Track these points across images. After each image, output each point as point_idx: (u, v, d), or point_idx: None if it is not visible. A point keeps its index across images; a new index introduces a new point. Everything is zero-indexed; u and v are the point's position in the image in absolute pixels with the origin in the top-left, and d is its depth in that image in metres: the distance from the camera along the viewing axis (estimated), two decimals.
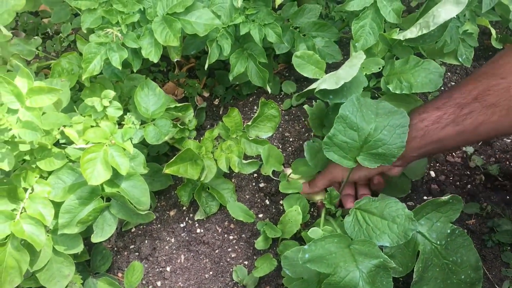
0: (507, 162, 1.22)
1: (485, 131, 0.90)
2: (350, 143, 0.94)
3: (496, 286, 1.08)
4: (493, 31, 1.37)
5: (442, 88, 1.35)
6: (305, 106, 1.12)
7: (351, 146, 0.94)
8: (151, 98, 1.04)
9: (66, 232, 0.95)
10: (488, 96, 0.88)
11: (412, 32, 1.04)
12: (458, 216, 0.99)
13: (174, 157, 1.03)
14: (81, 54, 1.05)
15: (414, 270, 0.97)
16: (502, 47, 1.41)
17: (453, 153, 1.26)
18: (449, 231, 0.99)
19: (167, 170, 1.03)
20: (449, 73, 1.40)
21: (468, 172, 1.23)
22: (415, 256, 0.98)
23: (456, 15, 1.01)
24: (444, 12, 0.99)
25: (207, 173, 1.09)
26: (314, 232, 0.97)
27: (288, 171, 1.15)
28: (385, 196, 0.96)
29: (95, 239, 0.98)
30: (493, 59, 0.94)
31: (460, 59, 1.20)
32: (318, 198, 1.14)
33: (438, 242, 0.99)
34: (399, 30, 1.11)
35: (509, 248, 1.12)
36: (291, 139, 1.27)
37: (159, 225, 1.20)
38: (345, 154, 0.96)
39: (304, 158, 1.09)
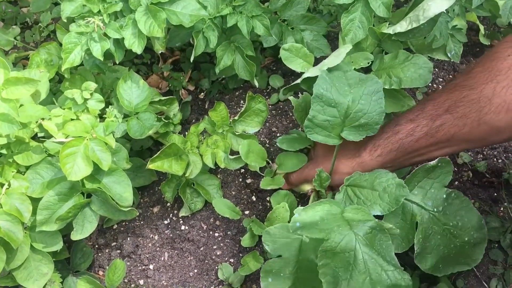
0: (495, 159, 1.22)
1: (458, 142, 0.90)
2: (332, 120, 0.93)
3: (484, 283, 1.08)
4: (481, 27, 1.37)
5: (430, 84, 1.35)
6: (291, 98, 1.09)
7: (333, 123, 0.93)
8: (134, 90, 1.01)
9: (44, 229, 0.92)
10: (459, 108, 0.87)
11: (402, 26, 1.03)
12: (450, 179, 0.98)
13: (158, 152, 1.00)
14: (61, 44, 1.01)
15: (415, 241, 0.95)
16: (489, 44, 1.40)
17: None
18: (444, 195, 0.98)
19: (151, 166, 1.00)
20: (436, 69, 1.39)
21: (455, 169, 1.22)
22: (414, 228, 0.97)
23: (446, 10, 1.00)
24: (435, 6, 0.98)
25: (192, 168, 1.06)
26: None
27: (275, 166, 1.12)
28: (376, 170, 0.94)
29: (75, 236, 0.95)
30: (466, 70, 0.94)
31: (449, 55, 1.19)
32: (307, 188, 1.12)
33: (435, 209, 0.98)
34: (389, 24, 1.09)
35: (497, 245, 1.12)
36: (278, 134, 1.25)
37: (142, 222, 1.17)
38: (328, 132, 0.94)
39: (288, 152, 1.07)
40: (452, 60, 1.19)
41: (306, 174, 1.08)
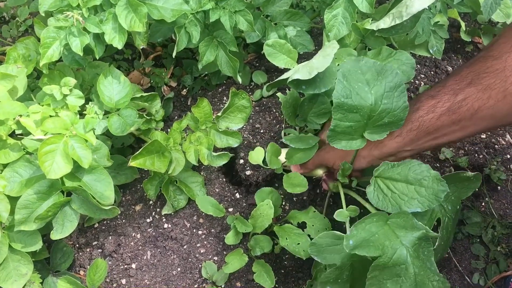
0: (476, 155, 1.23)
1: (482, 118, 0.83)
2: (355, 125, 0.89)
3: (467, 278, 1.09)
4: (462, 24, 1.38)
5: (412, 80, 1.35)
6: (279, 94, 1.08)
7: (356, 127, 0.89)
8: (115, 86, 0.99)
9: (23, 229, 0.90)
10: (483, 79, 0.82)
11: (385, 22, 1.03)
12: (469, 195, 1.00)
13: (140, 149, 0.98)
14: (39, 39, 0.98)
15: (439, 236, 0.94)
16: (470, 40, 1.42)
17: None
18: (458, 207, 1.00)
19: (132, 163, 0.98)
20: (418, 65, 1.40)
21: (437, 165, 1.23)
22: (432, 225, 0.94)
23: (428, 6, 1.00)
24: (418, 2, 0.98)
25: (175, 166, 1.04)
26: (340, 214, 0.92)
27: (282, 158, 1.10)
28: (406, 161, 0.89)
29: (55, 235, 0.93)
30: (489, 43, 0.88)
31: (431, 51, 1.20)
32: (320, 172, 1.09)
33: (452, 215, 0.98)
34: (372, 20, 1.09)
35: (478, 240, 1.13)
36: (262, 131, 1.24)
37: (124, 220, 1.15)
38: (351, 136, 0.90)
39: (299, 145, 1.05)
40: (434, 56, 1.20)
41: (322, 158, 1.04)
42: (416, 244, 0.81)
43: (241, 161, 1.18)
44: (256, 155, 1.12)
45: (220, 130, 1.07)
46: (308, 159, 1.06)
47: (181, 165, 1.05)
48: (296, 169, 1.09)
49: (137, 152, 0.98)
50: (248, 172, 1.17)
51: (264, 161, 1.10)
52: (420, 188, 0.84)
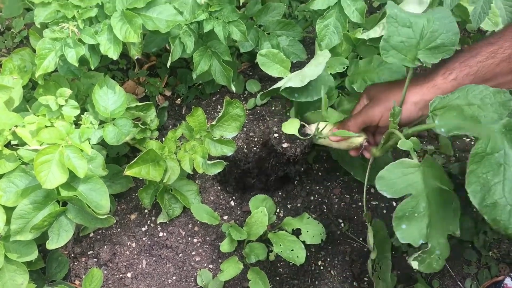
0: (467, 161, 1.25)
1: None
2: (407, 41, 0.87)
3: (459, 283, 1.10)
4: None
5: None
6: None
7: (408, 44, 0.87)
8: (110, 96, 1.00)
9: (19, 239, 0.90)
10: None
11: (376, 32, 1.05)
12: None
13: (135, 158, 0.99)
14: (34, 50, 0.99)
15: None
16: (460, 48, 1.44)
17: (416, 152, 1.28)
18: None
19: (128, 172, 0.99)
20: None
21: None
22: None
23: None
24: None
25: (170, 174, 1.05)
26: (403, 144, 0.86)
27: (313, 127, 1.04)
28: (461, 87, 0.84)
29: (50, 245, 0.93)
30: None
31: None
32: (359, 140, 1.02)
33: None
34: (363, 29, 1.11)
35: (470, 246, 1.14)
36: (256, 139, 1.25)
37: (119, 229, 1.15)
38: (403, 55, 0.87)
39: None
40: (424, 65, 1.22)
41: (367, 114, 0.96)
42: (504, 129, 0.75)
43: (275, 135, 1.11)
44: (291, 125, 1.04)
45: (215, 138, 1.09)
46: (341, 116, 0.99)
47: (176, 173, 1.06)
48: (334, 138, 1.02)
49: (133, 161, 0.99)
50: (285, 145, 1.11)
51: (299, 131, 1.04)
52: (485, 105, 0.80)
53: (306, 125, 1.05)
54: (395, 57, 0.87)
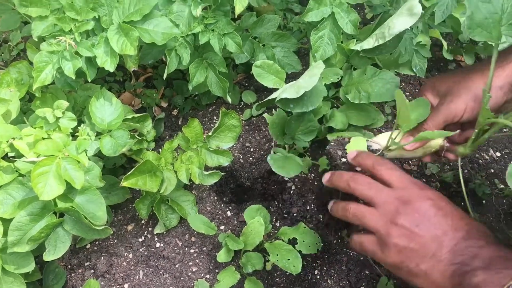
0: (461, 169, 1.26)
1: None
2: (490, 17, 0.80)
3: None
4: (444, 43, 1.42)
5: None
6: (265, 115, 1.11)
7: (492, 20, 0.80)
8: (107, 108, 1.01)
9: (16, 251, 0.90)
10: None
11: (369, 43, 1.06)
12: None
13: (132, 169, 1.00)
14: (31, 63, 1.00)
15: None
16: (453, 58, 1.46)
17: (409, 161, 1.29)
18: None
19: (124, 183, 0.99)
20: (403, 83, 1.44)
21: (424, 180, 1.25)
22: None
23: (410, 27, 1.04)
24: (399, 23, 1.01)
25: (167, 185, 1.06)
26: None
27: (380, 140, 0.92)
28: None
29: (47, 257, 0.93)
30: None
31: (414, 70, 1.23)
32: (439, 142, 0.91)
33: None
34: (356, 41, 1.13)
35: None
36: (252, 149, 1.26)
37: (116, 241, 1.16)
38: (488, 33, 0.81)
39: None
40: (417, 75, 1.23)
41: (448, 110, 0.85)
42: None
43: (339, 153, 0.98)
44: (357, 145, 0.92)
45: (211, 149, 1.09)
46: (425, 116, 0.87)
47: (172, 184, 1.07)
48: (412, 146, 0.90)
49: (129, 173, 0.99)
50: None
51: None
52: None
53: (372, 140, 0.93)
54: (481, 35, 0.81)
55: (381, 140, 0.93)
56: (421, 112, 0.90)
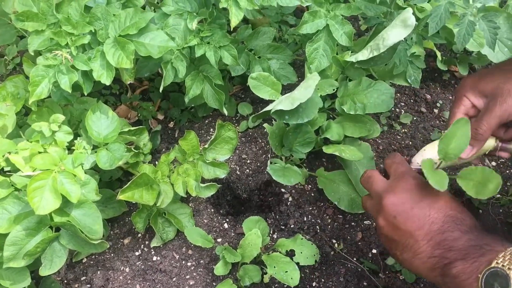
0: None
1: None
2: None
3: None
4: (438, 54, 1.43)
5: (393, 108, 1.39)
6: (265, 125, 1.11)
7: None
8: (103, 121, 1.01)
9: (12, 266, 0.90)
10: None
11: (364, 55, 1.07)
12: None
13: (128, 183, 0.99)
14: (27, 77, 1.00)
15: None
16: (447, 69, 1.47)
17: None
18: None
19: (121, 196, 0.99)
20: (398, 94, 1.44)
21: None
22: None
23: (404, 38, 1.05)
24: (393, 35, 1.03)
25: (164, 198, 1.06)
26: None
27: (429, 155, 0.88)
28: None
29: (43, 271, 0.93)
30: None
31: (409, 80, 1.24)
32: (491, 143, 0.90)
33: None
34: (351, 52, 1.14)
35: None
36: (248, 161, 1.26)
37: (112, 254, 1.15)
38: None
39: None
40: (412, 86, 1.24)
41: (503, 111, 0.84)
42: None
43: None
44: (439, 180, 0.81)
45: (208, 161, 1.09)
46: (466, 142, 0.80)
47: (169, 197, 1.06)
48: (467, 154, 0.88)
49: (126, 186, 0.99)
50: None
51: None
52: None
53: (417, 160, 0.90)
54: None
55: (429, 154, 0.90)
56: (461, 139, 0.82)
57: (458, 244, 0.73)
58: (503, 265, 0.66)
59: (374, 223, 0.85)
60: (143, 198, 1.01)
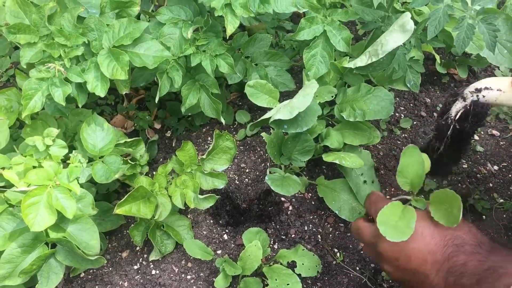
0: (459, 184, 1.25)
1: None
2: None
3: None
4: (437, 57, 1.42)
5: (392, 113, 1.38)
6: (263, 134, 1.09)
7: None
8: (98, 134, 0.99)
9: (7, 284, 0.88)
10: None
11: (362, 60, 1.05)
12: None
13: (125, 196, 0.97)
14: (20, 89, 0.99)
15: None
16: (446, 72, 1.46)
17: None
18: None
19: (118, 211, 0.97)
20: (397, 98, 1.43)
21: (422, 196, 1.24)
22: None
23: (402, 43, 1.03)
24: (392, 40, 1.01)
25: (162, 210, 1.04)
26: None
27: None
28: None
29: None
30: None
31: (408, 85, 1.23)
32: None
33: None
34: (349, 58, 1.12)
35: None
36: (247, 170, 1.24)
37: (110, 268, 1.13)
38: None
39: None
40: (412, 90, 1.23)
41: None
42: None
43: None
44: None
45: (206, 172, 1.07)
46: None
47: (167, 209, 1.04)
48: None
49: (123, 199, 0.97)
50: None
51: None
52: None
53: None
54: None
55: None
56: (416, 165, 0.87)
57: (468, 268, 0.70)
58: None
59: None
60: (141, 212, 0.99)
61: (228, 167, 1.22)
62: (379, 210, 0.81)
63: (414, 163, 0.86)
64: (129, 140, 1.06)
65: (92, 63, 0.95)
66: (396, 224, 0.77)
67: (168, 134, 1.37)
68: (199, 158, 1.10)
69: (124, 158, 1.03)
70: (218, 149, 1.09)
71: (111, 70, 0.93)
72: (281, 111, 0.97)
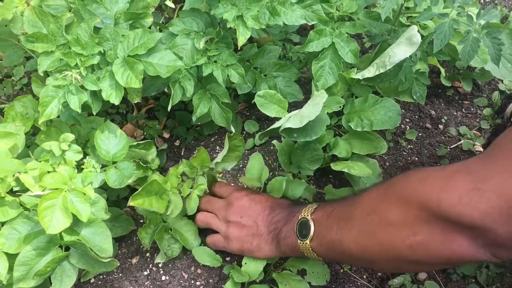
0: None
1: None
2: None
3: None
4: (442, 70, 1.44)
5: (398, 125, 1.40)
6: (274, 142, 1.12)
7: None
8: (112, 140, 1.02)
9: (21, 286, 0.89)
10: None
11: (370, 72, 1.08)
12: None
13: (139, 189, 0.99)
14: (35, 96, 1.01)
15: None
16: (450, 85, 1.48)
17: None
18: None
19: (132, 203, 0.98)
20: (403, 110, 1.45)
21: None
22: None
23: (409, 56, 1.06)
24: (399, 52, 1.04)
25: (173, 208, 1.06)
26: None
27: None
28: None
29: None
30: None
31: (414, 97, 1.25)
32: None
33: None
34: (357, 69, 1.15)
35: (473, 280, 1.14)
36: None
37: (120, 274, 1.14)
38: None
39: None
40: (417, 102, 1.25)
41: None
42: None
43: None
44: None
45: (218, 177, 1.10)
46: None
47: (178, 208, 1.06)
48: None
49: (136, 192, 0.98)
50: None
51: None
52: None
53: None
54: None
55: None
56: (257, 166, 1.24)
57: (282, 216, 1.00)
58: (305, 215, 0.94)
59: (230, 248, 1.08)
60: (153, 206, 1.01)
61: (238, 175, 1.24)
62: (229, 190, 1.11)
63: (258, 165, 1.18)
64: (141, 142, 1.09)
65: (107, 71, 0.98)
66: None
67: (177, 143, 1.39)
68: (213, 162, 1.13)
69: (137, 160, 1.05)
70: (230, 150, 1.12)
71: (125, 78, 0.96)
72: (291, 120, 1.00)
